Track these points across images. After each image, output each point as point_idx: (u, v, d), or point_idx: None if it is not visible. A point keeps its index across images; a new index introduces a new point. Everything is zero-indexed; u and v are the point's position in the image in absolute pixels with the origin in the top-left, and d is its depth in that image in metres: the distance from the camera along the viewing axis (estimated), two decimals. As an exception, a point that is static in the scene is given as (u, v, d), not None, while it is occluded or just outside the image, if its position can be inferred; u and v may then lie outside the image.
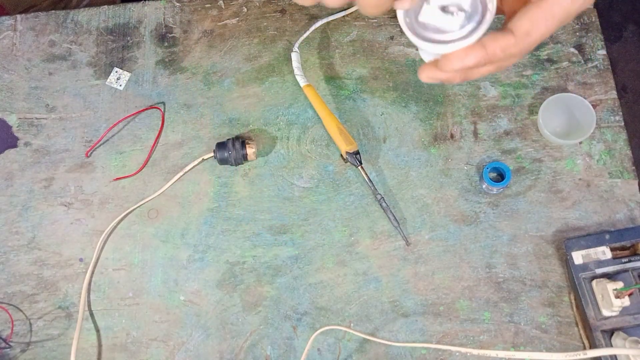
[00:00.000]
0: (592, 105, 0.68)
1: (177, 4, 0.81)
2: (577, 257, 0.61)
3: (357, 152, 0.69)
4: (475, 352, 0.60)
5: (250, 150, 0.70)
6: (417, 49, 0.75)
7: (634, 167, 0.68)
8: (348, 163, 0.71)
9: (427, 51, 0.39)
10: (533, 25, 0.36)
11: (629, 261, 0.60)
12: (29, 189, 0.74)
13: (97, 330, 0.68)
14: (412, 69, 0.75)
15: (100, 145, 0.75)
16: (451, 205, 0.69)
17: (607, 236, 0.62)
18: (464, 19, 0.37)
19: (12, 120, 0.77)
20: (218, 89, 0.77)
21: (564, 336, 0.63)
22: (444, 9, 0.37)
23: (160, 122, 0.75)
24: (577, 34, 0.74)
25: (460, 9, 0.37)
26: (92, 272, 0.70)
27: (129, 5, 0.81)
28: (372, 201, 0.70)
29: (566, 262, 0.63)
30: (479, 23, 0.37)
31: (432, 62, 0.39)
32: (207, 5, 0.80)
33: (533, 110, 0.71)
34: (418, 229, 0.68)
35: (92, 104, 0.77)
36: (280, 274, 0.68)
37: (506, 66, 0.40)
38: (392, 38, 0.76)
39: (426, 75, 0.40)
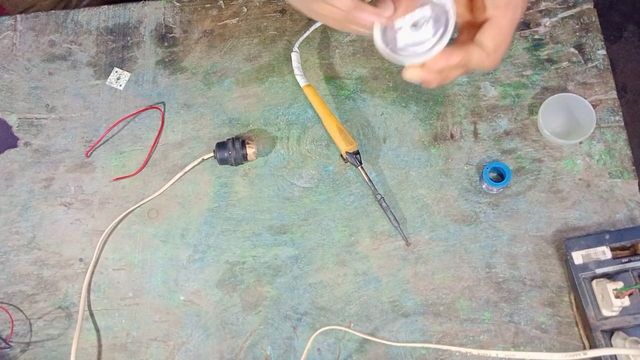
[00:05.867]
0: (592, 105, 0.67)
1: (177, 4, 0.81)
2: (577, 257, 0.61)
3: (357, 152, 0.69)
4: (475, 352, 0.60)
5: (250, 150, 0.70)
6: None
7: (634, 167, 0.68)
8: (348, 163, 0.71)
9: (415, 63, 0.44)
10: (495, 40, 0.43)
11: (629, 261, 0.60)
12: (29, 189, 0.74)
13: (97, 330, 0.68)
14: (412, 69, 0.75)
15: (100, 145, 0.75)
16: (451, 205, 0.69)
17: (607, 236, 0.62)
18: (433, 26, 0.42)
19: (12, 120, 0.77)
20: (218, 89, 0.77)
21: (564, 336, 0.63)
22: (414, 25, 0.43)
23: (160, 122, 0.75)
24: (577, 34, 0.74)
25: (426, 19, 0.42)
26: (92, 272, 0.70)
27: (129, 5, 0.81)
28: (372, 201, 0.70)
29: (566, 262, 0.63)
30: (447, 24, 0.42)
31: (417, 65, 0.44)
32: (207, 5, 0.80)
33: (533, 110, 0.71)
34: (418, 229, 0.68)
35: (92, 104, 0.77)
36: (280, 274, 0.68)
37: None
38: (392, 38, 0.76)
39: (410, 74, 0.44)
